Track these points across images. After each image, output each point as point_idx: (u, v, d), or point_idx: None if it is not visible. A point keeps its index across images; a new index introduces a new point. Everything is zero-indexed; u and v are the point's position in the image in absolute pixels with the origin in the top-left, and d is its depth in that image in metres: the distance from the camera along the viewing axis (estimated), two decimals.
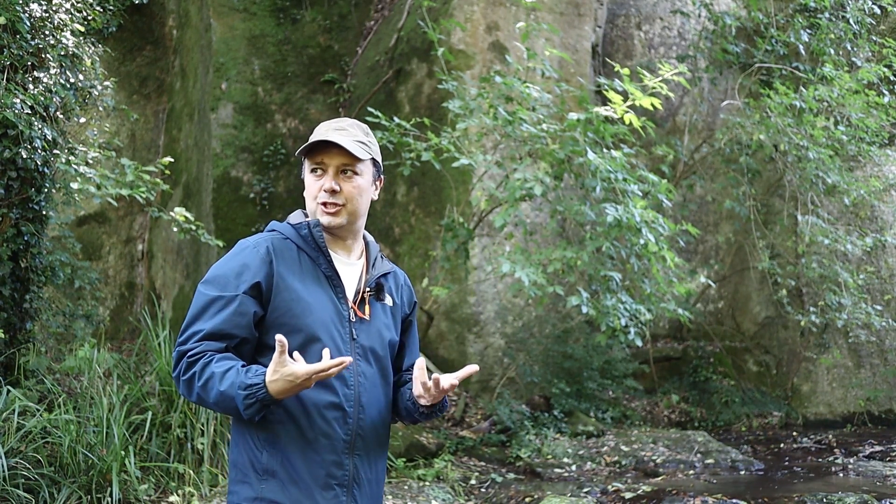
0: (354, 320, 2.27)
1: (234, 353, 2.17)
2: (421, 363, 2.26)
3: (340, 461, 2.19)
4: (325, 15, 10.24)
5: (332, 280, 2.27)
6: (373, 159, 2.34)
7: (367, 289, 2.32)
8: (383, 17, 10.37)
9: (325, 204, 2.27)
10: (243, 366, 2.10)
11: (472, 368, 2.21)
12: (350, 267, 2.33)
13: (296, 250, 2.27)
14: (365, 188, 2.31)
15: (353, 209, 2.29)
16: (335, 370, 2.02)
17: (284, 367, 2.00)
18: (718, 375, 9.38)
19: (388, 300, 2.38)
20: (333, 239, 2.33)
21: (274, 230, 2.33)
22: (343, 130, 2.29)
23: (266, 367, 2.11)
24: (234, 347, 2.17)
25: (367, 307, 2.30)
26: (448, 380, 2.21)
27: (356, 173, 2.29)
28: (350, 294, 2.29)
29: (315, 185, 2.28)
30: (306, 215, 2.37)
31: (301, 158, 2.35)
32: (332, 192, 2.26)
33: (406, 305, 2.47)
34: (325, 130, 2.29)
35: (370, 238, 2.43)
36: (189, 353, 2.14)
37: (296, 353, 2.07)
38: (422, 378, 2.24)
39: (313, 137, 2.28)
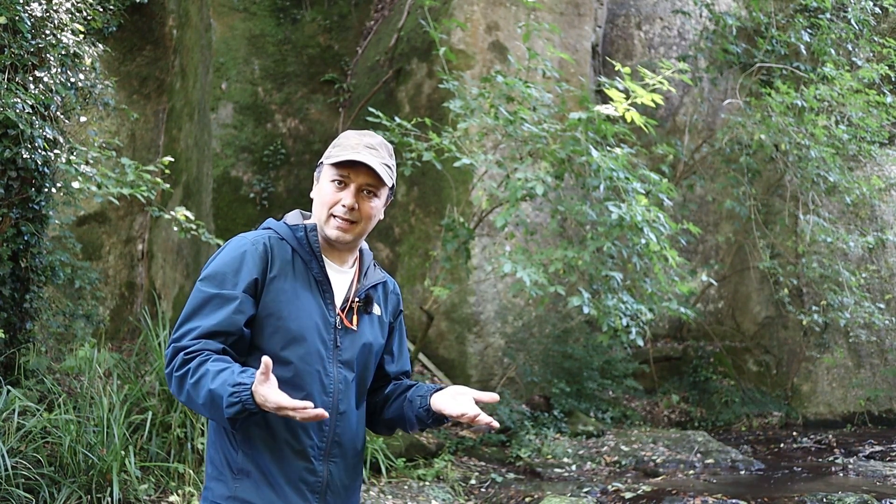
0: (340, 328, 2.25)
1: (230, 349, 2.16)
2: (463, 390, 2.23)
3: (314, 468, 2.19)
4: (325, 15, 10.23)
5: (323, 286, 2.26)
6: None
7: (357, 299, 2.31)
8: (383, 17, 10.36)
9: (339, 218, 2.24)
10: (241, 371, 2.05)
11: (492, 397, 2.17)
12: (341, 275, 2.32)
13: (290, 252, 2.25)
14: (379, 210, 2.31)
15: (364, 229, 2.29)
16: (308, 414, 1.92)
17: (262, 386, 1.95)
18: (718, 375, 9.38)
19: (377, 310, 2.37)
20: (329, 247, 2.31)
21: (270, 228, 2.32)
22: (374, 150, 2.25)
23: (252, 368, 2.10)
24: (230, 345, 2.15)
25: (354, 317, 2.29)
26: (475, 399, 2.18)
27: (376, 195, 2.28)
28: (338, 302, 2.28)
29: (333, 196, 2.25)
30: (305, 217, 2.36)
31: (322, 163, 2.32)
32: (350, 210, 2.24)
33: (390, 314, 2.44)
34: (356, 144, 2.25)
35: (365, 247, 2.41)
36: (186, 350, 2.10)
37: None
38: (467, 406, 2.18)
39: (343, 149, 2.25)
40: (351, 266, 2.35)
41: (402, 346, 2.50)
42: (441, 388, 2.29)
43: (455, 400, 2.20)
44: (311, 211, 2.37)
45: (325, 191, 2.26)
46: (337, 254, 2.32)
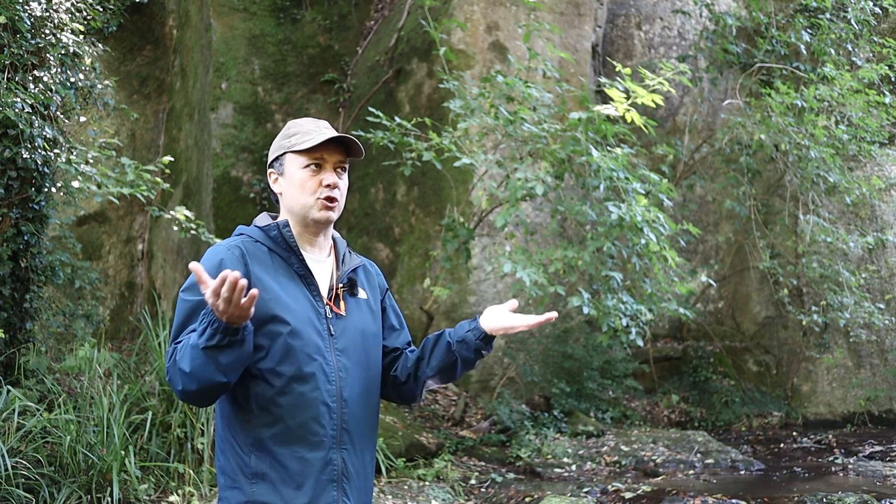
0: (331, 317, 2.28)
1: None
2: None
3: (328, 457, 2.21)
4: (325, 15, 10.23)
5: (306, 278, 2.28)
6: None
7: (340, 285, 2.35)
8: (383, 17, 10.36)
9: (325, 199, 2.29)
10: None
11: (551, 315, 2.28)
12: (321, 264, 2.35)
13: (267, 252, 2.28)
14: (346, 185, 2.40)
15: (342, 204, 2.36)
16: (234, 280, 1.90)
17: (206, 288, 1.94)
18: (718, 375, 9.38)
19: (362, 293, 2.41)
20: (304, 238, 2.34)
21: (242, 234, 2.34)
22: (332, 129, 2.34)
23: (252, 369, 2.15)
24: None
25: (342, 303, 2.33)
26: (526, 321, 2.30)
27: (345, 171, 2.36)
28: (324, 291, 2.31)
29: (313, 181, 2.29)
30: (273, 217, 2.38)
31: (282, 155, 2.34)
32: (335, 188, 2.30)
33: (377, 294, 2.49)
34: (317, 127, 2.33)
35: (337, 234, 2.45)
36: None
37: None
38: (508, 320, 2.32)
39: (306, 134, 2.30)
40: (328, 255, 2.39)
41: (398, 317, 2.54)
42: (480, 316, 2.38)
43: (513, 317, 2.33)
44: (277, 212, 2.40)
45: (301, 178, 2.30)
46: (314, 243, 2.36)
